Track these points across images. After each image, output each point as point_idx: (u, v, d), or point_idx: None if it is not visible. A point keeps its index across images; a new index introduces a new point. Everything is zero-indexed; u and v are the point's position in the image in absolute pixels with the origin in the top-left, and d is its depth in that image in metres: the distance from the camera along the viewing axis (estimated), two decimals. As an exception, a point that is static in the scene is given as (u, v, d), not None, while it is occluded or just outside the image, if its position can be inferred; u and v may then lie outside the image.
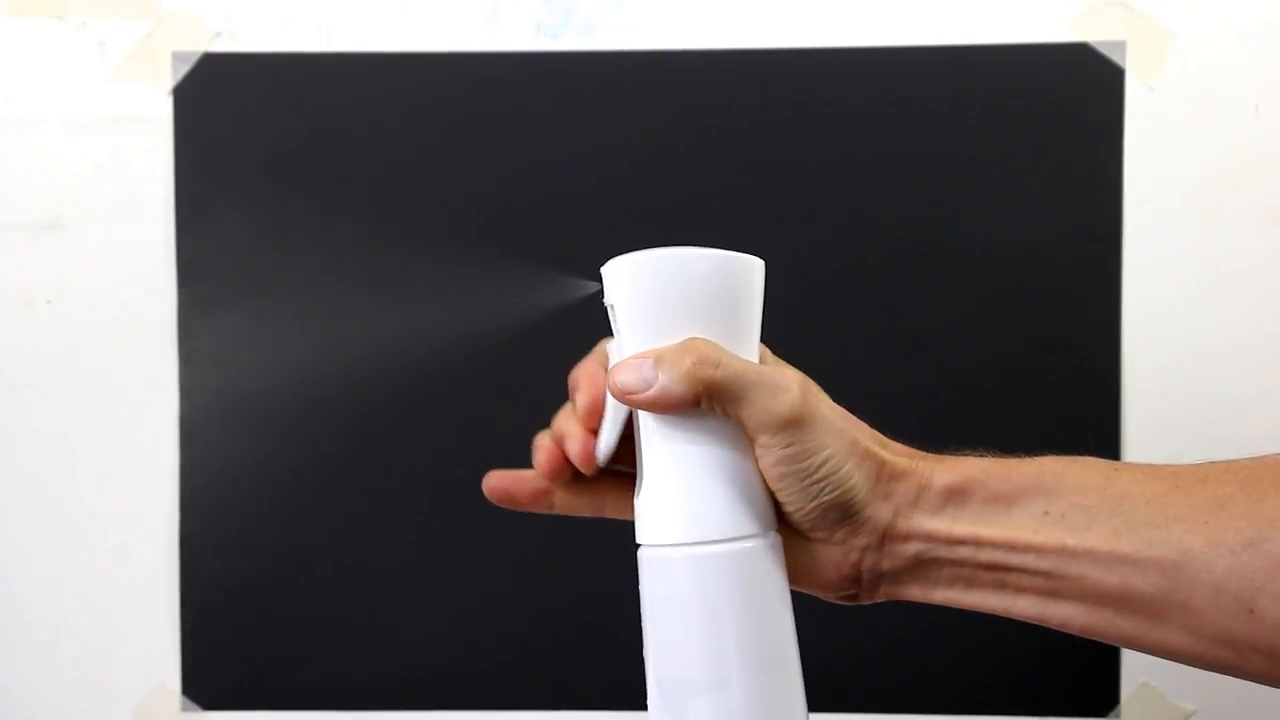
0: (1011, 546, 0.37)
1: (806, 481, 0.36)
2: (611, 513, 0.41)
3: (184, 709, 0.66)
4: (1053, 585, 0.37)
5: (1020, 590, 0.38)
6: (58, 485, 0.67)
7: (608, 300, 0.38)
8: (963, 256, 0.64)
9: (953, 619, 0.65)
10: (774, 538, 0.37)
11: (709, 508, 0.36)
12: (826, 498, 0.36)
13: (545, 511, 0.42)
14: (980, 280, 0.64)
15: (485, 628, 0.65)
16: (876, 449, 0.38)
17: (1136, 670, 0.63)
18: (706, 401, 0.36)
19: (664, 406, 0.36)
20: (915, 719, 0.64)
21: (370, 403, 0.65)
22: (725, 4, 0.65)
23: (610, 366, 0.38)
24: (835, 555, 0.38)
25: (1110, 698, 0.63)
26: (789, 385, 0.36)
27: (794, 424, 0.36)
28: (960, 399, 0.64)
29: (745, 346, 0.37)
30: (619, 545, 0.65)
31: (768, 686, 0.36)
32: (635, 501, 0.38)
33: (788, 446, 0.36)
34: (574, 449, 0.39)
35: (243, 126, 0.66)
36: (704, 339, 0.36)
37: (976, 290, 0.64)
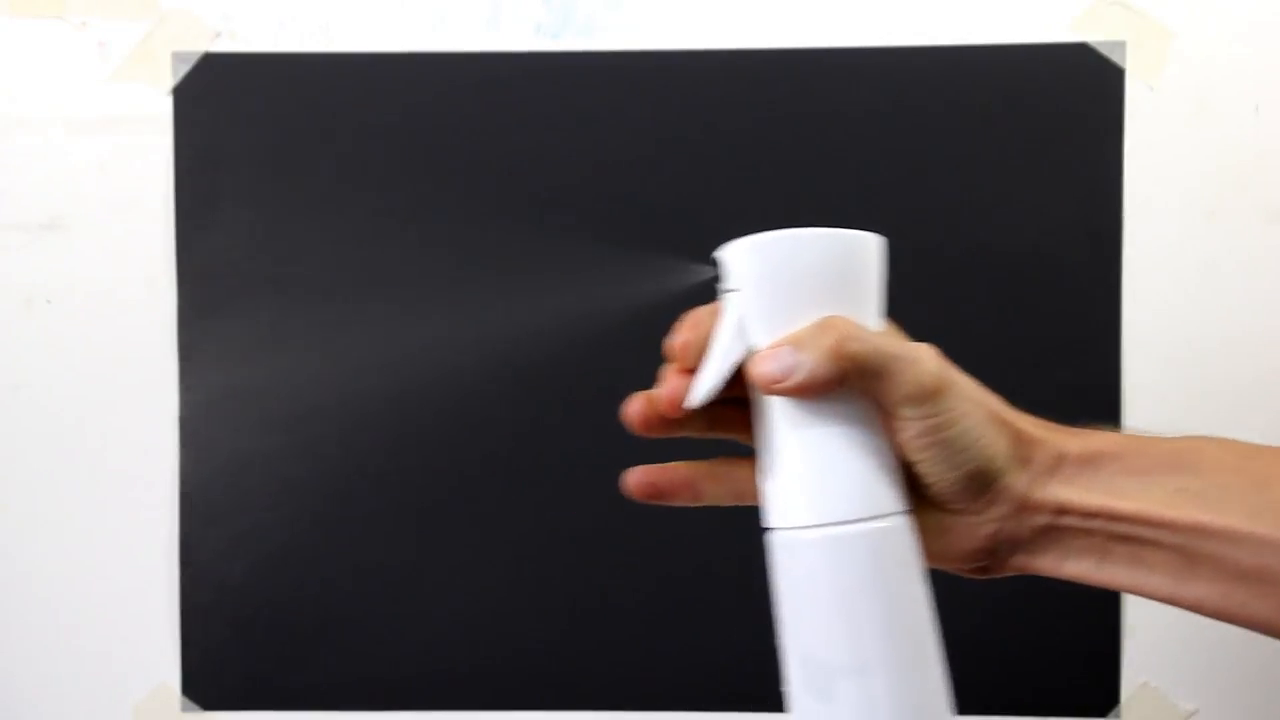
0: (1146, 521, 0.36)
1: (949, 450, 0.36)
2: (752, 500, 0.40)
3: (184, 709, 0.66)
4: (1188, 563, 0.36)
5: (1154, 567, 0.37)
6: (58, 485, 0.67)
7: (727, 285, 0.38)
8: (962, 256, 0.64)
9: (952, 619, 0.65)
10: (908, 516, 0.36)
11: (842, 487, 0.35)
12: (969, 466, 0.36)
13: (691, 503, 0.41)
14: (980, 280, 0.64)
15: (485, 628, 0.65)
16: (1013, 417, 0.37)
17: (1137, 670, 0.63)
18: (850, 379, 0.35)
19: (812, 390, 0.35)
20: (915, 719, 0.64)
21: (370, 402, 0.65)
22: (725, 4, 0.65)
23: (738, 333, 0.37)
24: (972, 526, 0.37)
25: (1110, 698, 0.64)
26: (925, 356, 0.36)
27: (936, 394, 0.35)
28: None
29: (872, 323, 0.37)
30: (619, 545, 0.65)
31: (910, 666, 0.35)
32: (762, 484, 0.37)
33: (931, 417, 0.35)
34: (662, 392, 0.38)
35: (243, 126, 0.66)
36: (840, 316, 0.36)
37: (976, 290, 0.64)
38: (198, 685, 0.66)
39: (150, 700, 0.66)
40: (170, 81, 0.66)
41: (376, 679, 0.66)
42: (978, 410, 0.36)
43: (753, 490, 0.40)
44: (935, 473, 0.36)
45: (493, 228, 0.65)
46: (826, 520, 0.35)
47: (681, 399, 0.37)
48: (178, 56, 0.66)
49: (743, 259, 0.37)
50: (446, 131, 0.65)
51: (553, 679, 0.65)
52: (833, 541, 0.35)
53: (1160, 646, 0.63)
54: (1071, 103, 0.64)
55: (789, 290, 0.36)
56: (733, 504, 0.41)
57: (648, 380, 0.40)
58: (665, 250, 0.64)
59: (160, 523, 0.66)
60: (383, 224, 0.65)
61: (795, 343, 0.35)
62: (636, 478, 0.41)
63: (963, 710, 0.64)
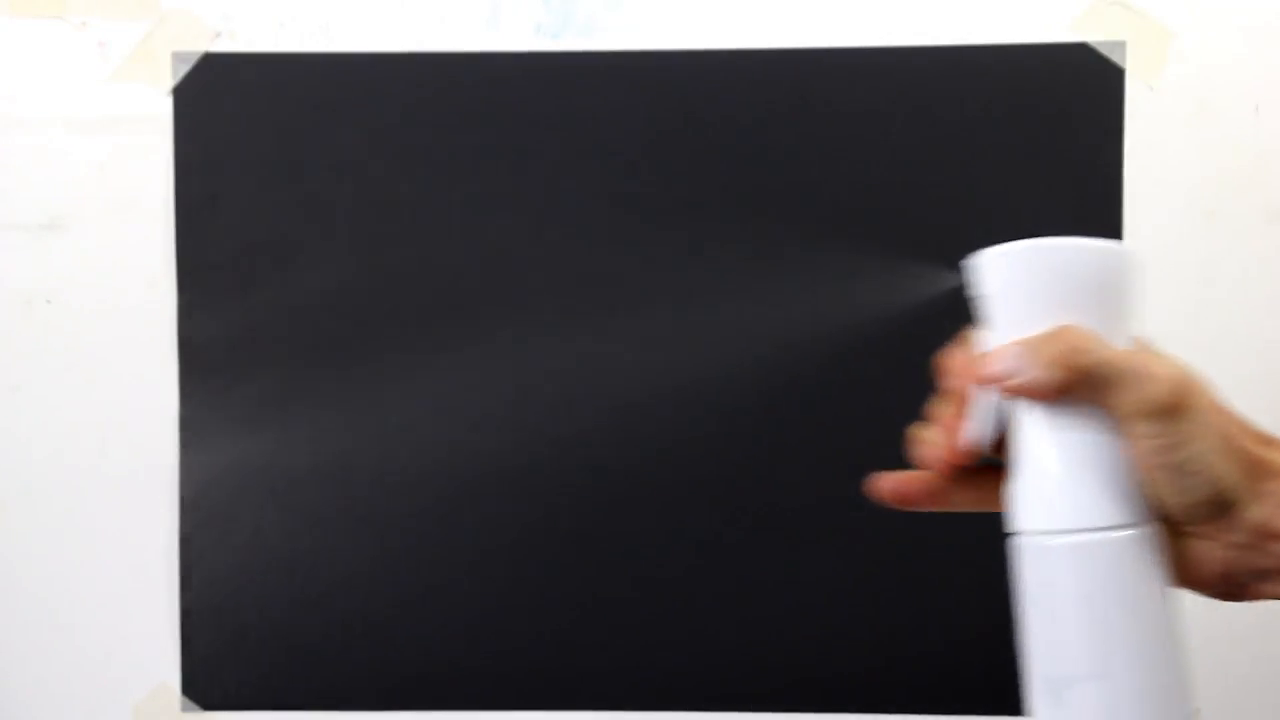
0: None
1: (1177, 474, 0.35)
2: (999, 507, 0.40)
3: (184, 709, 0.66)
4: None
5: None
6: (58, 485, 0.67)
7: (977, 291, 0.38)
8: (962, 256, 0.64)
9: (952, 619, 0.65)
10: (1152, 529, 0.36)
11: (1089, 495, 0.35)
12: (1198, 494, 0.35)
13: (942, 509, 0.41)
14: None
15: (485, 628, 0.65)
16: (1252, 446, 0.36)
17: (1136, 670, 0.63)
18: (1077, 389, 0.35)
19: (1032, 393, 0.35)
20: (915, 719, 0.64)
21: (369, 403, 0.65)
22: (725, 4, 0.65)
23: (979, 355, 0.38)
24: (1210, 550, 0.37)
25: (1110, 698, 0.63)
26: (1161, 375, 0.35)
27: (1164, 414, 0.35)
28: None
29: (1117, 337, 0.37)
30: (619, 545, 0.65)
31: (1153, 676, 0.35)
32: (1009, 489, 0.38)
33: (1156, 438, 0.35)
34: (940, 437, 0.38)
35: (243, 126, 0.66)
36: (1075, 326, 0.36)
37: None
38: (198, 685, 0.66)
39: (150, 701, 0.66)
40: (170, 81, 0.66)
41: (376, 679, 0.66)
42: (1210, 437, 0.35)
43: (1000, 498, 0.40)
44: (1164, 494, 0.36)
45: (492, 228, 0.65)
46: (1076, 526, 0.35)
47: (959, 446, 0.38)
48: (178, 56, 0.66)
49: (994, 266, 0.38)
50: (446, 131, 0.65)
51: (553, 679, 0.65)
52: (1082, 548, 0.35)
53: (1160, 646, 0.63)
54: (1071, 103, 0.64)
55: (1032, 299, 0.37)
56: (981, 510, 0.41)
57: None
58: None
59: (160, 523, 0.66)
60: (382, 224, 0.65)
61: (1025, 345, 0.36)
62: (886, 485, 0.41)
63: (963, 710, 0.65)
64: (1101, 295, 0.37)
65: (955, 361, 0.39)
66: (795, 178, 0.65)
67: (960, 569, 0.64)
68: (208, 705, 0.66)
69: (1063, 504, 0.36)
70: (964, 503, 0.41)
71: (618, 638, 0.65)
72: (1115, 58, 0.64)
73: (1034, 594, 0.37)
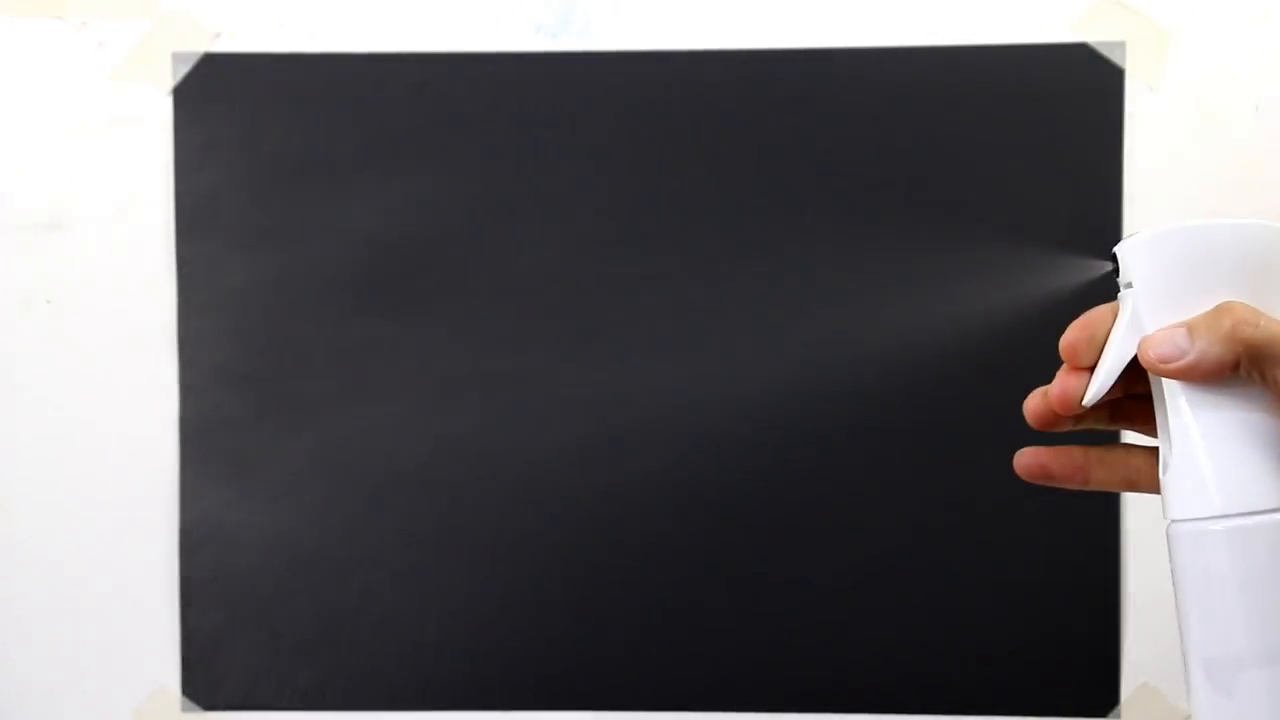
0: None
1: None
2: (1145, 488, 0.40)
3: (184, 709, 0.66)
4: None
5: None
6: (58, 485, 0.67)
7: (1123, 279, 0.38)
8: (961, 256, 0.64)
9: (952, 619, 0.65)
10: None
11: (1248, 478, 0.35)
12: None
13: (1080, 487, 0.41)
14: (980, 280, 0.64)
15: (485, 628, 0.65)
16: None
17: (1136, 670, 0.63)
18: (1245, 365, 0.35)
19: (1202, 373, 0.35)
20: (915, 719, 0.64)
21: (369, 403, 0.65)
22: (724, 4, 0.65)
23: (1132, 333, 0.37)
24: None
25: (1110, 698, 0.63)
26: None
27: None
28: (962, 399, 0.64)
29: (1275, 314, 0.36)
30: (619, 546, 0.65)
31: None
32: (1162, 477, 0.37)
33: None
34: (1054, 389, 0.38)
35: (243, 126, 0.66)
36: (1238, 302, 0.35)
37: (977, 291, 0.64)
38: (197, 686, 0.66)
39: (150, 701, 0.66)
40: (170, 81, 0.66)
41: (376, 679, 0.66)
42: None
43: (1146, 479, 0.40)
44: None
45: (492, 228, 0.65)
46: (1235, 510, 0.35)
47: (1074, 398, 0.38)
48: (178, 56, 0.66)
49: (1138, 253, 0.37)
50: (446, 131, 0.65)
51: (553, 679, 0.65)
52: (1242, 531, 0.35)
53: (1160, 646, 0.63)
54: (1071, 103, 0.64)
55: (1186, 282, 0.36)
56: (1124, 490, 0.41)
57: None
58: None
59: (160, 522, 0.66)
60: (382, 223, 0.65)
61: (1190, 325, 0.35)
62: (1028, 459, 0.41)
63: (963, 710, 0.65)
64: (1256, 274, 0.36)
65: (1083, 316, 0.39)
66: (795, 178, 0.65)
67: (961, 569, 0.64)
68: (208, 705, 0.66)
69: (1220, 488, 0.35)
70: (1105, 481, 0.41)
71: (618, 638, 0.65)
72: (1115, 58, 0.64)
73: (1194, 581, 0.36)
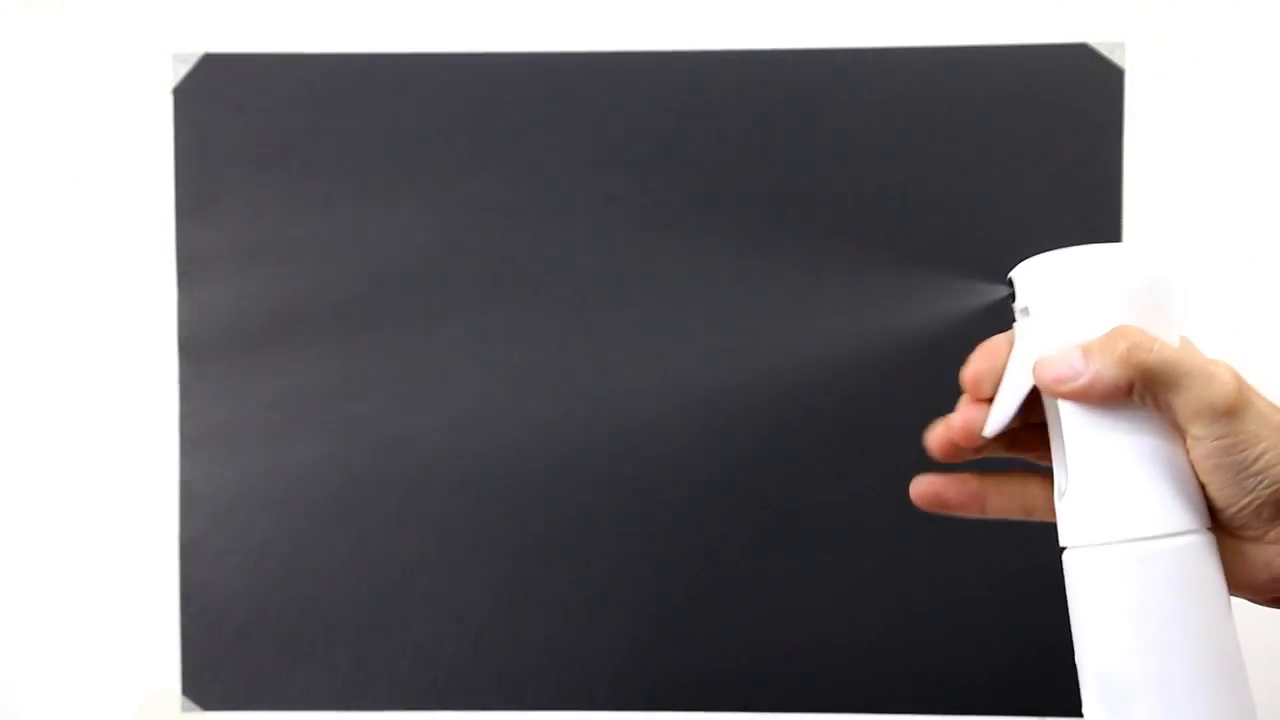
0: None
1: (1241, 475, 0.34)
2: (1041, 515, 0.40)
3: (184, 709, 0.66)
4: None
5: None
6: (58, 486, 0.67)
7: (1019, 305, 0.38)
8: (961, 257, 0.64)
9: (952, 619, 0.65)
10: (1210, 535, 0.36)
11: (1144, 502, 0.35)
12: (1262, 493, 0.35)
13: (978, 515, 0.41)
14: (980, 281, 0.64)
15: (486, 628, 0.65)
16: None
17: (1137, 670, 0.63)
18: (1139, 389, 0.35)
19: (1097, 394, 0.35)
20: (915, 719, 0.64)
21: (369, 403, 0.65)
22: (725, 4, 0.65)
23: (1029, 362, 0.37)
24: (1267, 555, 0.36)
25: (1110, 698, 0.63)
26: (1222, 374, 0.34)
27: (1229, 414, 0.34)
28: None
29: (1169, 338, 0.36)
30: (619, 546, 0.65)
31: (1214, 689, 0.34)
32: (1057, 504, 0.37)
33: (1221, 438, 0.34)
34: (956, 420, 0.38)
35: (243, 126, 0.66)
36: (1134, 325, 0.35)
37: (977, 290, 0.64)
38: (198, 686, 0.66)
39: (150, 701, 0.66)
40: (170, 81, 0.66)
41: (376, 679, 0.66)
42: (1274, 435, 0.34)
43: (1042, 505, 0.40)
44: (1224, 497, 0.35)
45: (492, 227, 0.65)
46: (1128, 536, 0.35)
47: (976, 429, 0.38)
48: (178, 56, 0.66)
49: (1034, 277, 0.37)
50: (446, 131, 0.65)
51: (553, 679, 0.65)
52: (1135, 558, 0.35)
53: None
54: (1071, 103, 0.64)
55: (1081, 306, 0.36)
56: (1021, 518, 0.41)
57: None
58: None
59: (161, 524, 0.66)
60: (382, 223, 0.65)
61: (1085, 348, 0.35)
62: (923, 487, 0.41)
63: (962, 711, 0.65)
64: (1152, 298, 0.36)
65: (982, 346, 0.39)
66: (795, 178, 0.65)
67: (960, 569, 0.64)
68: (208, 705, 0.66)
69: (1116, 512, 0.35)
70: (1002, 509, 0.40)
71: (618, 638, 0.65)
72: (1115, 58, 0.64)
73: (1088, 606, 0.36)
